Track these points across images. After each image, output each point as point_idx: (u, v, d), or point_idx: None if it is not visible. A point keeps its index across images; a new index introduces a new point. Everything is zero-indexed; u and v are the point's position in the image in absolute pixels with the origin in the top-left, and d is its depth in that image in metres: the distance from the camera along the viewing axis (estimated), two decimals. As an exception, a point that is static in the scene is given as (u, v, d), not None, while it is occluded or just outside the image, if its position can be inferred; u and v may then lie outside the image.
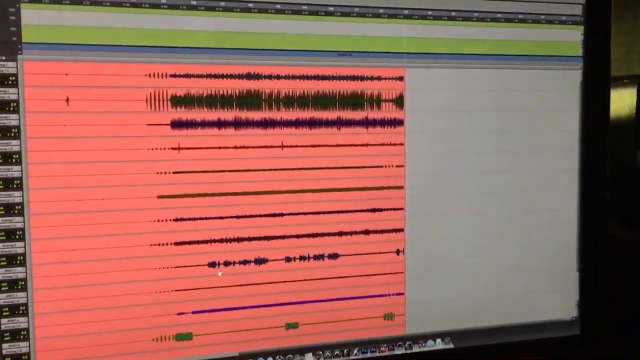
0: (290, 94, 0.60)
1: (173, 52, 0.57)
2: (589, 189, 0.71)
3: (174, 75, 0.57)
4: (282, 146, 0.60)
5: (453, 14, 0.65)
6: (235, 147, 0.59)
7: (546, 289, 0.71)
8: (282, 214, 0.61)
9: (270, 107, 0.60)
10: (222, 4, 0.58)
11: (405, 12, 0.64)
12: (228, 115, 0.58)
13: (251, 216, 0.60)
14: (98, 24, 0.55)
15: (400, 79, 0.63)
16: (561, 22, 0.69)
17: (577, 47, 0.70)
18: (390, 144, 0.63)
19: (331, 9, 0.61)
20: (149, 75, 0.56)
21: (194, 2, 0.57)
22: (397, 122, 0.64)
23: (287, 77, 0.60)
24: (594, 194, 0.71)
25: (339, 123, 0.62)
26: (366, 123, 0.63)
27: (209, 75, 0.58)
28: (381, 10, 0.63)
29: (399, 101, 0.64)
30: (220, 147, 0.58)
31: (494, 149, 0.67)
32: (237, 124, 0.59)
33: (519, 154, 0.68)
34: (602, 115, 0.71)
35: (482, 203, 0.68)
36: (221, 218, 0.60)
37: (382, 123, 0.63)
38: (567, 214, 0.71)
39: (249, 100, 0.59)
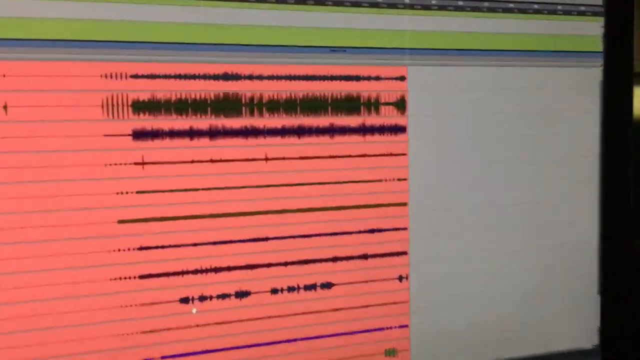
0: (275, 97, 0.53)
1: (134, 48, 0.49)
2: (610, 200, 0.64)
3: (136, 76, 0.49)
4: (266, 159, 0.53)
5: (460, 3, 0.58)
6: (211, 161, 0.51)
7: (564, 314, 0.64)
8: (266, 238, 0.54)
9: (252, 112, 0.52)
10: (194, -10, 0.50)
11: (407, 0, 0.55)
12: (202, 123, 0.51)
13: (230, 242, 0.53)
14: (42, 15, 0.46)
15: (402, 78, 0.56)
16: (580, 13, 0.62)
17: (597, 41, 0.62)
18: (391, 154, 0.57)
19: (322, -3, 0.53)
20: (105, 76, 0.48)
21: (160, -12, 0.49)
22: (399, 129, 0.57)
23: (270, 78, 0.53)
24: (615, 207, 0.64)
25: (332, 131, 0.55)
26: (363, 130, 0.56)
27: (178, 76, 0.50)
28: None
29: (400, 104, 0.56)
30: (192, 161, 0.51)
31: (506, 156, 0.60)
32: (213, 133, 0.51)
33: (534, 162, 0.61)
34: (625, 118, 0.64)
35: (495, 219, 0.60)
36: (195, 245, 0.52)
37: (382, 130, 0.56)
38: (586, 229, 0.64)
39: (227, 105, 0.52)
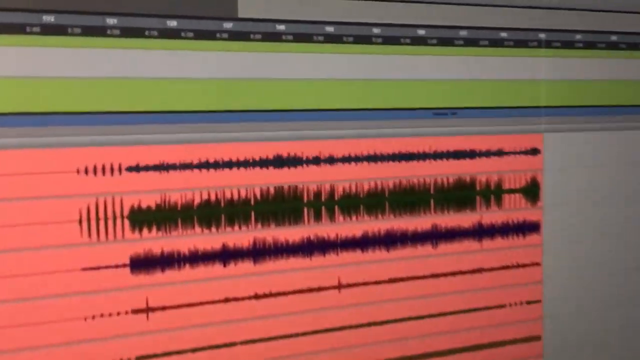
0: (352, 189, 0.37)
1: (133, 123, 0.32)
2: None
3: (135, 169, 0.33)
4: (339, 286, 0.37)
5: (614, 38, 0.40)
6: (256, 297, 0.35)
7: None
8: (342, 408, 0.37)
9: (318, 216, 0.36)
10: (228, 26, 0.32)
11: (542, 35, 0.38)
12: (241, 237, 0.35)
13: (287, 421, 0.36)
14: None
15: (535, 152, 0.41)
16: None
17: None
18: (519, 266, 0.41)
19: (422, 32, 0.36)
20: (85, 171, 0.32)
21: (174, 24, 0.31)
22: (530, 227, 0.41)
23: (345, 160, 0.37)
24: None
25: (436, 236, 0.39)
26: (479, 232, 0.40)
27: (204, 165, 0.34)
28: (503, 34, 0.37)
29: (532, 191, 0.41)
30: (227, 300, 0.35)
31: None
32: (258, 252, 0.35)
33: None
34: None
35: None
36: None
37: (506, 231, 0.41)
38: None
39: (280, 206, 0.35)
